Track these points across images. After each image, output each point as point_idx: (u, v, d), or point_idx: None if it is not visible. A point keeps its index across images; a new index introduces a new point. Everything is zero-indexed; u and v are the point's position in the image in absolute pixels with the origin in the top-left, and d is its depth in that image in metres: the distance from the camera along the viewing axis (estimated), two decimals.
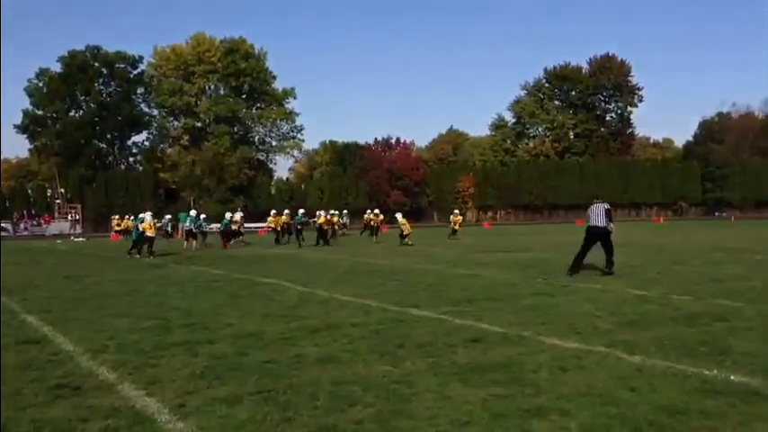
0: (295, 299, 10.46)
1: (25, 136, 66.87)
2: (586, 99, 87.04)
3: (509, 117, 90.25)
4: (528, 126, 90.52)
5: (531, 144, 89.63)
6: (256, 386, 5.45)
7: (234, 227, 28.05)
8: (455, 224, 31.40)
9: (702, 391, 5.20)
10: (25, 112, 65.88)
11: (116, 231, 41.11)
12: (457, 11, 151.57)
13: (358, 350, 6.71)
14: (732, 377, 5.57)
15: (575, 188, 76.64)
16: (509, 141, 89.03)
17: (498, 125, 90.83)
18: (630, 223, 60.50)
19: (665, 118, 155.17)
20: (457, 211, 33.51)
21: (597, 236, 13.39)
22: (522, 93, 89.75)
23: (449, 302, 9.85)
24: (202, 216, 28.17)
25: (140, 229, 20.79)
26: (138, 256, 20.60)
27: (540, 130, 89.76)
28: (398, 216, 28.19)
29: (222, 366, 6.09)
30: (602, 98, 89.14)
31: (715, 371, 5.76)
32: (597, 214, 13.41)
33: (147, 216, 21.38)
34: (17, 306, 10.05)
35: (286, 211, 31.21)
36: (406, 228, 25.99)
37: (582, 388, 5.34)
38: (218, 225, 28.98)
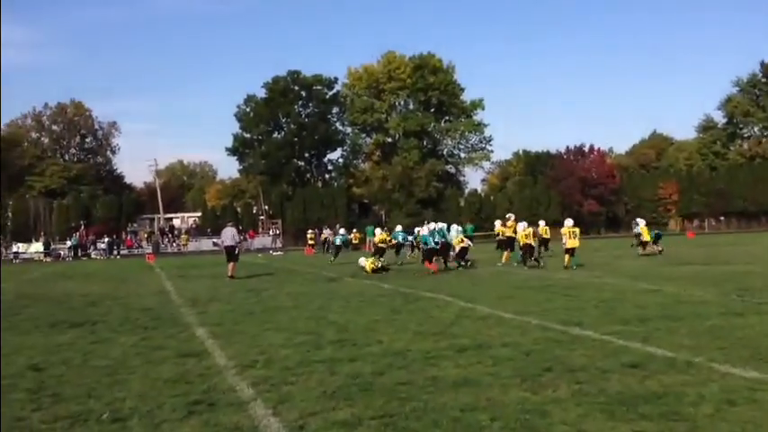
0: (453, 315, 10.18)
1: (235, 158, 73.00)
2: None
3: (719, 117, 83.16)
4: (741, 126, 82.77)
5: (746, 145, 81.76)
6: (381, 409, 5.26)
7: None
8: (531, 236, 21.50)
9: None
10: (235, 136, 71.84)
11: (310, 245, 43.27)
12: (657, 5, 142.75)
13: (500, 373, 6.30)
14: None
15: None
16: (719, 143, 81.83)
17: (706, 126, 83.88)
18: None
19: None
20: (542, 223, 23.87)
21: None
22: (735, 90, 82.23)
23: (618, 321, 9.07)
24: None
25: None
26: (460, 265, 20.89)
27: (755, 129, 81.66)
28: (640, 221, 27.29)
29: (356, 386, 5.97)
30: None
31: None
32: None
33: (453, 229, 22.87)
34: (194, 318, 10.74)
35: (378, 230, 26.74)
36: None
37: (747, 427, 4.57)
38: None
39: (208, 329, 9.48)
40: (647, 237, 25.58)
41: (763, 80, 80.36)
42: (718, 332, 8.06)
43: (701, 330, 8.24)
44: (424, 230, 22.46)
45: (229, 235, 20.61)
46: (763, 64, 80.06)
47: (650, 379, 5.91)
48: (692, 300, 11.17)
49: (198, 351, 7.85)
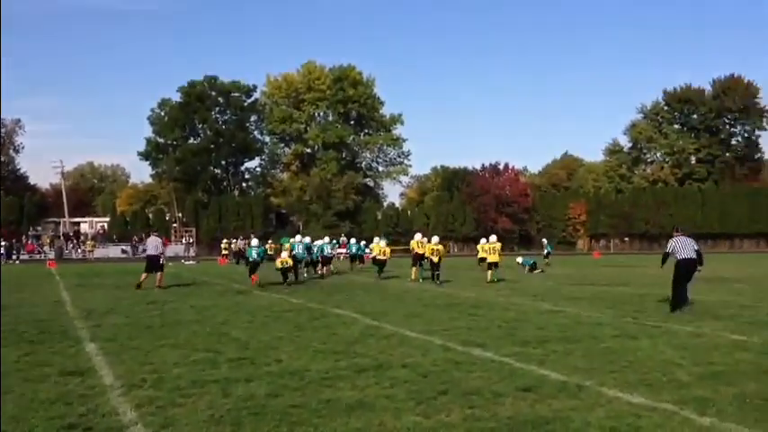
0: (357, 333, 10.09)
1: (148, 162, 70.90)
2: (709, 122, 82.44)
3: (625, 142, 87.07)
4: (645, 151, 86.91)
5: (649, 170, 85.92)
6: None
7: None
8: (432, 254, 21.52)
9: None
10: (148, 140, 69.79)
11: (223, 255, 42.42)
12: (571, 33, 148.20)
13: (396, 396, 6.24)
14: None
15: (696, 216, 72.28)
16: (624, 167, 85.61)
17: (613, 150, 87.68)
18: (755, 255, 56.39)
19: None
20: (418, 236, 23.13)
21: (689, 269, 12.69)
22: (639, 116, 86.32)
23: (518, 343, 9.19)
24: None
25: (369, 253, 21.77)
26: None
27: (658, 155, 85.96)
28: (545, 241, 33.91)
29: (246, 410, 5.78)
30: (727, 121, 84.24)
31: None
32: (686, 246, 12.77)
33: (382, 242, 23.43)
34: (86, 332, 10.22)
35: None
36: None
37: None
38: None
39: (99, 345, 9.04)
40: (483, 255, 24.03)
41: (666, 108, 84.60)
42: (611, 355, 8.27)
43: (596, 353, 8.44)
44: (322, 241, 25.12)
45: (153, 245, 20.02)
46: (665, 92, 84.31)
47: (541, 403, 5.97)
48: (591, 321, 11.48)
49: (84, 369, 7.45)
